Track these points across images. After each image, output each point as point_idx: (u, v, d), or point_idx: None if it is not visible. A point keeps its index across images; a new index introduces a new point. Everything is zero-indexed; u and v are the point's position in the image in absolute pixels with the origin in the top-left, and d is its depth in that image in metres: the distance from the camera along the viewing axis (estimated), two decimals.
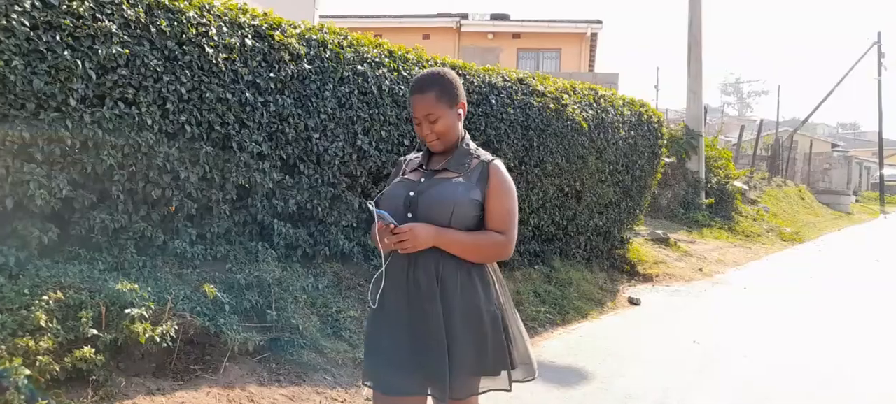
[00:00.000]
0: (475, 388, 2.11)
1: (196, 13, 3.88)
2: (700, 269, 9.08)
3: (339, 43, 4.77)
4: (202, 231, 4.15)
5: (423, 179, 2.12)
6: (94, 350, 2.99)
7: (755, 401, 4.03)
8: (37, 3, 3.18)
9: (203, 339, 3.61)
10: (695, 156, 13.98)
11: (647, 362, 4.73)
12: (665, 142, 8.86)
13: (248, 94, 4.11)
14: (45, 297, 3.05)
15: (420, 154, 2.23)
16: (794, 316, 6.51)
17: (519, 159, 6.15)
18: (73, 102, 3.34)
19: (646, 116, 8.15)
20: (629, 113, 7.79)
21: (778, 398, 4.09)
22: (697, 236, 11.79)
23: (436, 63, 5.52)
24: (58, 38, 3.25)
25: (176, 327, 3.33)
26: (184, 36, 3.79)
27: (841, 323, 6.29)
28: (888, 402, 4.19)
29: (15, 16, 3.09)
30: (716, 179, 14.60)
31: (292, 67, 4.37)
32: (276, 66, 4.29)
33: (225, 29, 4.04)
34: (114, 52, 3.44)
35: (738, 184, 15.38)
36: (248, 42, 4.14)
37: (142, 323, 3.15)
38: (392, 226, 1.97)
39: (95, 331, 3.07)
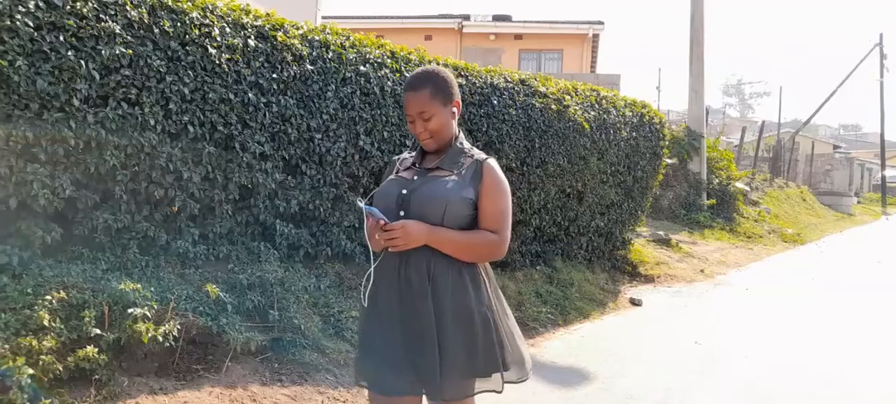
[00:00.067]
0: (469, 390, 2.09)
1: (199, 14, 3.89)
2: (701, 270, 9.08)
3: (341, 44, 4.78)
4: (205, 231, 4.16)
5: (415, 177, 2.11)
6: (96, 349, 3.00)
7: (757, 402, 4.03)
8: (41, 4, 3.19)
9: (205, 339, 3.62)
10: (696, 158, 13.97)
11: (648, 363, 4.73)
12: (667, 143, 8.87)
13: (250, 95, 4.12)
14: (49, 297, 3.07)
15: (414, 153, 2.22)
16: (796, 318, 6.50)
17: (521, 160, 6.16)
18: (76, 103, 3.35)
19: (647, 117, 8.15)
20: (631, 114, 7.79)
21: (779, 398, 4.09)
22: (699, 237, 11.79)
23: (438, 64, 5.52)
24: (61, 38, 3.27)
25: (178, 327, 3.34)
26: (187, 36, 3.80)
27: (842, 325, 6.29)
28: (889, 403, 4.19)
29: (19, 16, 3.10)
30: (717, 180, 14.59)
31: (295, 68, 4.38)
32: (279, 67, 4.30)
33: (228, 29, 4.05)
34: (117, 52, 3.46)
35: (739, 185, 15.37)
36: (251, 43, 4.15)
37: (144, 322, 3.16)
38: (382, 222, 1.96)
39: (98, 331, 3.08)
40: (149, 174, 3.77)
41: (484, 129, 5.77)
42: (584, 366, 4.58)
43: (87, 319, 3.06)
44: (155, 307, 3.29)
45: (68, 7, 3.29)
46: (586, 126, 6.81)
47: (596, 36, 21.72)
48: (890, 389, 4.39)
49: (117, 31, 3.47)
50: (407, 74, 5.15)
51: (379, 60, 5.01)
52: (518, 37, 21.68)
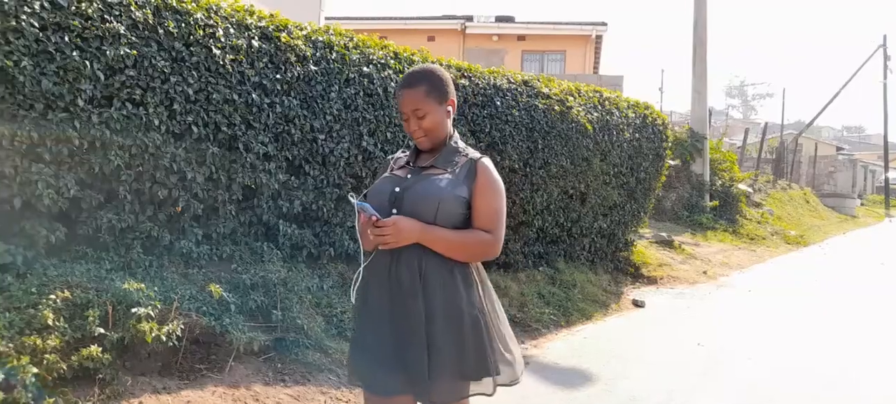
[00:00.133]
0: (462, 392, 2.05)
1: (203, 15, 3.91)
2: (704, 272, 9.07)
3: (344, 44, 4.79)
4: (208, 231, 4.17)
5: (409, 176, 2.10)
6: (100, 348, 3.00)
7: None
8: (46, 5, 3.21)
9: (208, 339, 3.63)
10: (699, 159, 13.95)
11: (651, 364, 4.73)
12: (669, 144, 8.86)
13: (254, 96, 4.14)
14: (53, 296, 3.08)
15: (408, 151, 2.20)
16: (799, 319, 6.49)
17: (524, 161, 6.16)
18: (81, 103, 3.36)
19: (650, 119, 8.15)
20: (634, 115, 7.79)
21: (782, 400, 4.08)
22: (702, 239, 11.77)
23: (440, 64, 5.53)
24: (66, 39, 3.28)
25: (182, 326, 3.35)
26: (191, 37, 3.82)
27: (845, 327, 6.28)
28: None
29: (24, 17, 3.12)
30: (720, 182, 14.57)
31: (298, 69, 4.39)
32: (283, 68, 4.31)
33: (232, 30, 4.06)
34: (122, 53, 3.47)
35: (742, 186, 15.34)
36: (255, 43, 4.16)
37: (148, 322, 3.17)
38: (374, 218, 1.94)
39: (102, 330, 3.09)
40: (153, 174, 3.78)
41: (487, 130, 5.77)
42: (587, 368, 4.58)
43: (90, 319, 3.07)
44: (158, 307, 3.30)
45: (73, 8, 3.30)
46: (589, 127, 6.80)
47: (599, 37, 21.71)
48: (894, 392, 4.39)
49: (122, 31, 3.48)
50: None
51: (382, 61, 5.02)
52: (521, 38, 21.69)
